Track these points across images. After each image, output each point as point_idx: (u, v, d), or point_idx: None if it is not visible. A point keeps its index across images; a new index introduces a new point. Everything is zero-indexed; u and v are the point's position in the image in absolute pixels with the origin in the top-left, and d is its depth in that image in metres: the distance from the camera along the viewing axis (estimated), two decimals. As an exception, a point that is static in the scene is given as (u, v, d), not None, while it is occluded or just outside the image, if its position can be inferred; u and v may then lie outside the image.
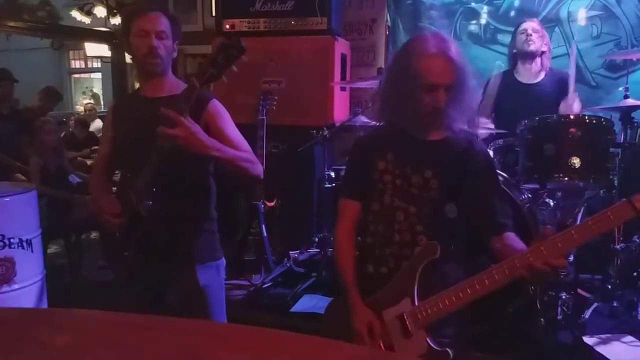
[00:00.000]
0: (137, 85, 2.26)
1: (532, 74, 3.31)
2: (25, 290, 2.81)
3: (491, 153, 2.94)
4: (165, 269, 2.01)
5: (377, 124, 1.91)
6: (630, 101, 3.02)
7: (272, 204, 3.78)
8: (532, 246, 1.47)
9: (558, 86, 3.30)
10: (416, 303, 1.62)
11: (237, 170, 1.90)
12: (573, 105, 3.12)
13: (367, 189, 1.82)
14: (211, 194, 2.09)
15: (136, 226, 1.95)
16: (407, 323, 1.62)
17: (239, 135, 2.01)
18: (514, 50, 3.46)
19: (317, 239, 3.86)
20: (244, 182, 3.70)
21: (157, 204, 1.90)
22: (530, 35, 3.29)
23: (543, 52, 3.34)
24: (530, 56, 3.34)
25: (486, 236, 1.71)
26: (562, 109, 3.16)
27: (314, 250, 3.96)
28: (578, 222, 3.10)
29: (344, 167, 3.75)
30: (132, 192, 1.93)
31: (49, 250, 4.09)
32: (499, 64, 3.89)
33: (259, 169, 1.97)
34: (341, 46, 4.26)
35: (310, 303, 3.28)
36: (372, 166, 1.80)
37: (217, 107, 1.99)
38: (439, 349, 1.58)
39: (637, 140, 3.37)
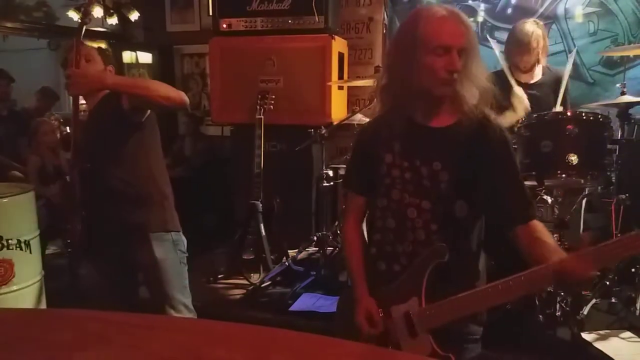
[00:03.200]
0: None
1: (528, 75, 3.29)
2: (24, 292, 2.80)
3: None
4: (120, 245, 2.19)
5: (380, 114, 1.74)
6: (628, 97, 3.03)
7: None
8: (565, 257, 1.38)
9: (554, 85, 3.29)
10: (423, 304, 1.57)
11: (154, 95, 2.02)
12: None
13: (374, 183, 1.71)
14: (147, 163, 2.24)
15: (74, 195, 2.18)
16: (414, 323, 1.58)
17: None
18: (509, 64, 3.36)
19: (315, 238, 3.86)
20: (245, 183, 3.72)
21: (91, 169, 2.14)
22: (522, 69, 3.25)
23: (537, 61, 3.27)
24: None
25: (510, 228, 1.57)
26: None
27: (312, 249, 3.96)
28: (582, 218, 3.12)
29: (345, 163, 3.81)
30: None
31: (48, 251, 4.08)
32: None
33: (179, 93, 2.09)
34: (338, 45, 4.26)
35: (309, 302, 3.28)
36: (379, 159, 1.68)
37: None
38: (443, 353, 1.54)
39: (634, 136, 3.38)
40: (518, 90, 3.09)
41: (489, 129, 1.58)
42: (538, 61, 3.23)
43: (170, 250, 2.24)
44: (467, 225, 1.63)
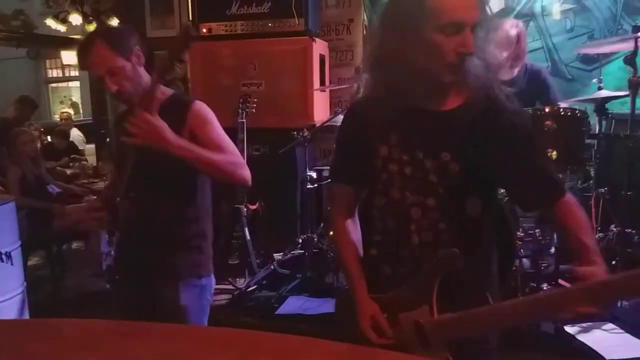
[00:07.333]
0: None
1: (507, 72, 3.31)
2: (6, 304, 2.77)
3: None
4: (147, 285, 1.90)
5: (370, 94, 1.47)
6: (604, 92, 3.08)
7: (255, 206, 3.76)
8: (581, 291, 1.24)
9: (533, 83, 3.30)
10: (435, 314, 1.36)
11: (215, 172, 1.82)
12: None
13: (367, 176, 1.49)
14: (197, 205, 1.94)
15: (118, 222, 1.89)
16: (427, 334, 1.37)
17: (225, 139, 1.88)
18: None
19: (300, 240, 3.85)
20: (229, 187, 3.69)
21: (136, 200, 1.86)
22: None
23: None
24: None
25: (546, 206, 1.41)
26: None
27: (298, 251, 3.96)
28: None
29: (329, 165, 3.81)
30: (114, 189, 1.91)
31: (30, 262, 4.03)
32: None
33: (243, 172, 1.86)
34: (319, 47, 4.27)
35: (296, 304, 3.28)
36: (372, 152, 1.44)
37: (201, 111, 1.87)
38: None
39: (611, 131, 3.43)
40: None
41: (501, 109, 1.36)
42: (516, 59, 3.25)
43: (197, 297, 1.94)
44: (479, 224, 1.43)
